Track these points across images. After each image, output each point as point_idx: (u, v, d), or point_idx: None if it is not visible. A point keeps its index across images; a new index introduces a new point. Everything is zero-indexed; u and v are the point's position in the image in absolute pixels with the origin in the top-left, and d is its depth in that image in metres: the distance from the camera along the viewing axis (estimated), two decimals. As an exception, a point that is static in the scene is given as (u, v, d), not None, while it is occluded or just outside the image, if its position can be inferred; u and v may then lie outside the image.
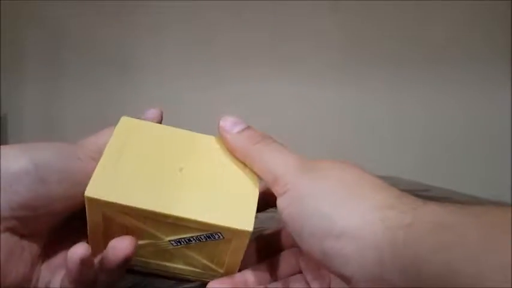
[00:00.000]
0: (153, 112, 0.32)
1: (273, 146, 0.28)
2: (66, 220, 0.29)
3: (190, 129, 0.31)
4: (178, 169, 0.28)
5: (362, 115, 1.38)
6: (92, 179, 0.26)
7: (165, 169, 0.28)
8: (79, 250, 0.25)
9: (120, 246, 0.25)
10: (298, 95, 1.36)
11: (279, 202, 0.25)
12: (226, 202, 0.27)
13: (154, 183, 0.27)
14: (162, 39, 1.33)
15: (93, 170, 0.27)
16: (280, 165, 0.26)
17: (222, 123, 0.30)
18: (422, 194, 0.80)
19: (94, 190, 0.26)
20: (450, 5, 1.33)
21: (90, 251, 0.25)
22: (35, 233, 0.28)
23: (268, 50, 1.34)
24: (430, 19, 1.36)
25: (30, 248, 0.28)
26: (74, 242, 0.28)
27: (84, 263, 0.25)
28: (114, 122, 0.31)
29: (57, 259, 0.29)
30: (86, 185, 0.26)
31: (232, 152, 0.29)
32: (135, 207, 0.26)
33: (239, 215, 0.27)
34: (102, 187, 0.26)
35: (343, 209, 0.22)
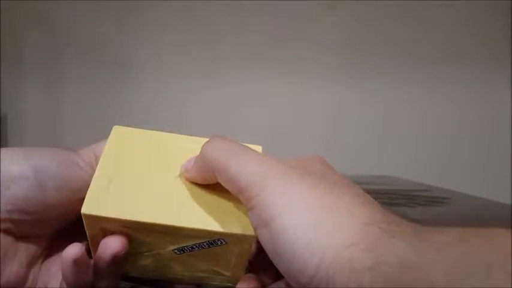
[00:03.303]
0: None
1: (225, 144, 0.25)
2: (70, 221, 0.29)
3: (190, 129, 0.31)
4: (175, 177, 0.27)
5: (361, 115, 1.38)
6: (87, 195, 0.26)
7: (161, 177, 0.27)
8: (72, 250, 0.25)
9: (110, 245, 0.25)
10: (298, 95, 1.36)
11: (249, 214, 0.24)
12: (225, 207, 0.26)
13: (151, 193, 0.26)
14: (162, 39, 1.33)
15: (91, 177, 0.27)
16: (243, 172, 0.24)
17: (182, 171, 0.28)
18: (422, 194, 0.80)
19: (90, 206, 0.25)
20: (450, 5, 1.33)
21: (83, 251, 0.25)
22: (31, 235, 0.27)
23: (268, 50, 1.34)
24: (430, 19, 1.36)
25: (27, 250, 0.28)
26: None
27: (78, 263, 0.25)
28: (114, 122, 0.30)
29: (58, 260, 0.29)
30: (83, 192, 0.26)
31: (207, 180, 0.27)
32: (133, 221, 0.25)
33: (240, 219, 0.26)
34: (98, 202, 0.25)
35: (314, 247, 0.21)
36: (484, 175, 1.31)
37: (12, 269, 0.27)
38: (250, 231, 0.25)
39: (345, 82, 1.37)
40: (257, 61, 1.34)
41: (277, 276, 0.28)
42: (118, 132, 0.29)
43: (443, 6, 1.33)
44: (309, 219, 0.22)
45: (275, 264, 0.23)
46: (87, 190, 0.26)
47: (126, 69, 1.32)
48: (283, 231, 0.22)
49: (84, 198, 0.26)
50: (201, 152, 0.26)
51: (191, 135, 0.30)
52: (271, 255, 0.23)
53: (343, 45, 1.36)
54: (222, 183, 0.25)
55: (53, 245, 0.29)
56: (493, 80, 1.37)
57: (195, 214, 0.26)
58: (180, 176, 0.28)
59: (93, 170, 0.28)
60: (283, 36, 1.35)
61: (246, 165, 0.24)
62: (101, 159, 0.28)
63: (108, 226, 0.26)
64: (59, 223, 0.29)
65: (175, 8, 1.30)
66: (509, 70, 1.34)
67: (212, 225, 0.26)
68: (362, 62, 1.37)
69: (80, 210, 0.26)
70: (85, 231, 0.26)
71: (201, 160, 0.26)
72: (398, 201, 0.72)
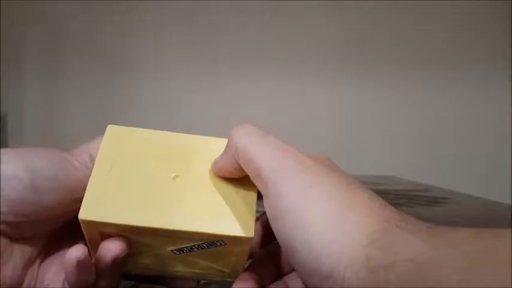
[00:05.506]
0: None
1: (254, 128, 0.26)
2: (66, 221, 0.29)
3: (190, 129, 0.31)
4: (172, 177, 0.27)
5: (361, 115, 1.38)
6: (84, 199, 0.25)
7: (158, 179, 0.27)
8: (75, 252, 0.25)
9: (110, 248, 0.25)
10: (297, 94, 1.36)
11: (264, 202, 0.24)
12: (224, 208, 0.26)
13: (148, 196, 0.26)
14: (162, 39, 1.33)
15: (87, 178, 0.26)
16: (267, 156, 0.24)
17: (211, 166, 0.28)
18: (422, 194, 0.80)
19: (87, 212, 0.25)
20: (450, 5, 1.33)
21: (87, 252, 0.25)
22: (27, 237, 0.27)
23: (268, 50, 1.34)
24: (430, 19, 1.36)
25: (22, 252, 0.27)
26: (75, 243, 0.28)
27: (81, 265, 0.25)
28: (114, 122, 0.30)
29: (57, 260, 0.29)
30: (79, 192, 0.26)
31: (232, 171, 0.27)
32: (131, 225, 0.25)
33: (238, 221, 0.26)
34: (95, 207, 0.25)
35: (332, 246, 0.21)
36: (484, 175, 1.31)
37: (7, 272, 0.26)
38: (248, 233, 0.25)
39: (345, 82, 1.37)
40: (257, 61, 1.34)
41: (277, 272, 0.28)
42: (112, 132, 0.29)
43: (443, 6, 1.33)
44: (330, 217, 0.22)
45: (288, 257, 0.23)
46: (82, 190, 0.26)
47: (126, 69, 1.32)
48: (301, 227, 0.22)
49: (79, 198, 0.26)
50: (229, 135, 0.26)
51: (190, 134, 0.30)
52: (284, 248, 0.23)
53: (343, 45, 1.36)
54: (243, 166, 0.25)
55: (51, 245, 0.29)
56: (493, 80, 1.37)
57: (192, 216, 0.26)
58: (177, 176, 0.28)
59: (88, 169, 0.27)
60: (283, 36, 1.35)
61: (272, 150, 0.24)
62: (96, 161, 0.27)
63: (106, 230, 0.26)
64: (55, 224, 0.28)
65: (175, 8, 1.30)
66: (509, 70, 1.34)
67: (210, 227, 0.25)
68: (362, 62, 1.37)
69: (76, 209, 0.25)
70: (82, 231, 0.26)
71: (228, 143, 0.26)
72: (399, 201, 0.72)
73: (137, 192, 0.26)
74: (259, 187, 0.24)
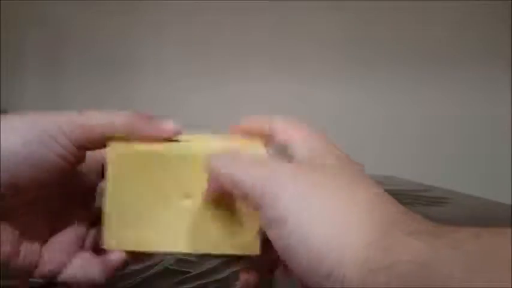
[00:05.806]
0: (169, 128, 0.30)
1: (229, 155, 0.27)
2: (67, 201, 0.29)
3: (190, 129, 0.31)
4: (182, 198, 0.29)
5: (361, 114, 1.38)
6: (105, 229, 0.28)
7: (169, 202, 0.29)
8: (115, 257, 0.28)
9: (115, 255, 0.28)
10: (297, 95, 1.36)
11: (260, 213, 0.24)
12: (229, 226, 0.28)
13: (163, 221, 0.29)
14: (162, 39, 1.33)
15: (66, 148, 0.27)
16: (247, 174, 0.24)
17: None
18: (423, 194, 0.80)
19: (111, 241, 0.28)
20: (450, 5, 1.33)
21: (124, 257, 0.28)
22: (11, 215, 0.27)
23: (268, 50, 1.34)
24: (430, 19, 1.36)
25: (6, 231, 0.27)
26: (79, 221, 0.29)
27: (119, 268, 0.28)
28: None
29: (63, 243, 0.28)
30: (58, 163, 0.27)
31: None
32: (149, 251, 0.29)
33: (244, 239, 0.27)
34: (116, 237, 0.28)
35: (332, 244, 0.21)
36: (484, 175, 1.31)
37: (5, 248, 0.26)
38: (253, 251, 0.27)
39: (345, 82, 1.37)
40: (257, 61, 1.34)
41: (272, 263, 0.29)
42: (116, 151, 0.29)
43: (443, 6, 1.33)
44: (330, 216, 0.22)
45: (286, 261, 0.23)
46: (61, 160, 0.27)
47: (126, 69, 1.32)
48: (301, 226, 0.22)
49: (61, 167, 0.27)
50: (209, 167, 0.27)
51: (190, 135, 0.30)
52: (282, 252, 0.23)
53: (343, 45, 1.36)
54: (230, 190, 0.26)
55: (51, 223, 0.29)
56: (493, 80, 1.37)
57: (202, 239, 0.28)
58: (187, 195, 0.29)
59: (75, 143, 0.28)
60: (283, 35, 1.35)
61: (250, 167, 0.25)
62: (107, 186, 0.28)
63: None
64: (35, 197, 0.28)
65: (175, 8, 1.30)
66: (509, 70, 1.34)
67: (217, 249, 0.28)
68: (362, 62, 1.37)
69: (56, 178, 0.27)
70: (90, 204, 0.30)
71: (211, 177, 0.27)
72: (399, 202, 0.72)
73: (152, 218, 0.29)
74: (249, 204, 0.24)
